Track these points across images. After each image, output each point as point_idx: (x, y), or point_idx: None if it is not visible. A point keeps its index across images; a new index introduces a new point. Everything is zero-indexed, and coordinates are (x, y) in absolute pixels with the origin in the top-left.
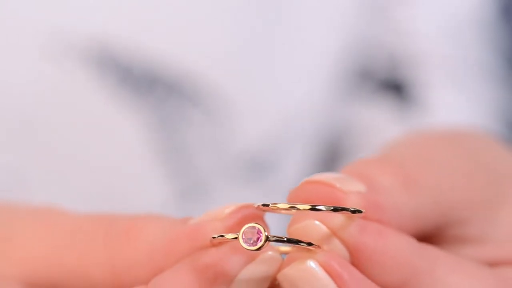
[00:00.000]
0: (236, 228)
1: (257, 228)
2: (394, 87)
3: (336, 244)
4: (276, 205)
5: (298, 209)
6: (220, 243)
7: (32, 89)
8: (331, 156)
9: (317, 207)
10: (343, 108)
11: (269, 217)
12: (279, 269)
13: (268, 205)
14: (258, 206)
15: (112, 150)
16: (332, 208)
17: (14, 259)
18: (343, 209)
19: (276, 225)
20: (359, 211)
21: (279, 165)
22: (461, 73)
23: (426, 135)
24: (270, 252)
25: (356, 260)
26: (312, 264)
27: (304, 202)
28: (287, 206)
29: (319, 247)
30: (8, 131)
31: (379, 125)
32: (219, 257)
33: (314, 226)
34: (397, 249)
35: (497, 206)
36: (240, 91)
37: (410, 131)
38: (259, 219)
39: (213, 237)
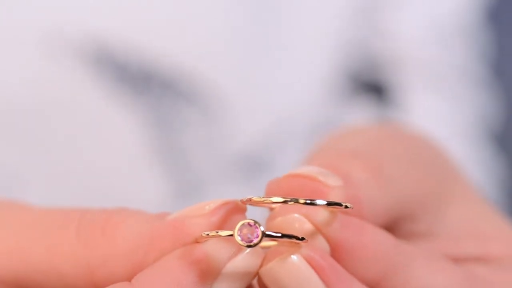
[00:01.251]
0: (219, 224)
1: (253, 224)
2: (375, 89)
3: (317, 237)
4: (270, 199)
5: (295, 202)
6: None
7: (29, 87)
8: None
9: (314, 202)
10: (338, 108)
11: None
12: (261, 265)
13: (262, 200)
14: (250, 199)
15: (109, 149)
16: (326, 202)
17: None
18: (336, 203)
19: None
20: (350, 207)
21: (275, 164)
22: (443, 77)
23: (378, 129)
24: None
25: (336, 254)
26: (295, 258)
27: (285, 194)
28: (281, 200)
29: (307, 241)
30: (5, 129)
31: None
32: (210, 251)
33: (296, 219)
34: (377, 244)
35: (445, 204)
36: (237, 91)
37: (350, 125)
38: (241, 214)
39: (205, 234)
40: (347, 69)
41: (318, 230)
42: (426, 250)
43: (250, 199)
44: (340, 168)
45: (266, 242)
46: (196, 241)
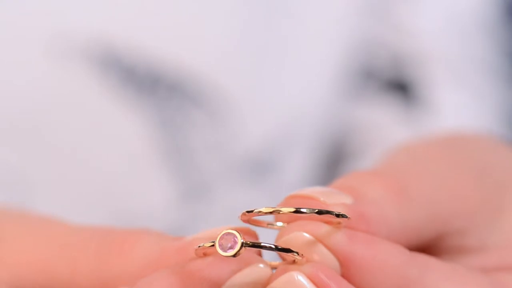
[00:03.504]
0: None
1: (232, 234)
2: (399, 86)
3: (327, 255)
4: (260, 210)
5: (281, 212)
6: (204, 254)
7: (35, 88)
8: (335, 157)
9: (300, 210)
10: (346, 108)
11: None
12: (267, 283)
13: (252, 211)
14: (243, 213)
15: (114, 150)
16: (317, 210)
17: (3, 262)
18: (327, 212)
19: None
20: (344, 216)
21: (282, 165)
22: (466, 72)
23: (426, 143)
24: (261, 265)
25: (346, 270)
26: (298, 276)
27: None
28: (270, 210)
29: (302, 255)
30: (11, 130)
31: (384, 125)
32: (203, 265)
33: (302, 237)
34: (387, 258)
35: (498, 213)
36: (243, 92)
37: (411, 137)
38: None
39: (196, 248)
40: (362, 67)
41: (322, 243)
42: (445, 261)
43: (243, 213)
44: (353, 187)
45: (276, 262)
46: (198, 257)
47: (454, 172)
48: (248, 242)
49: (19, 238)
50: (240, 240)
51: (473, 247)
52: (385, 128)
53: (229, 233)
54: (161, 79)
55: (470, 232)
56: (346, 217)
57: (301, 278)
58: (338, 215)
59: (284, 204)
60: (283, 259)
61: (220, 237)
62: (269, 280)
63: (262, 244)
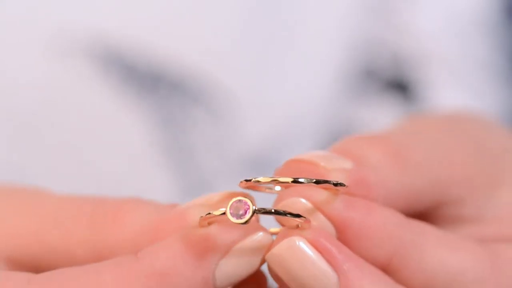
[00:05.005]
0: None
1: (243, 201)
2: (399, 86)
3: (322, 220)
4: (258, 179)
5: (279, 181)
6: (209, 222)
7: (37, 86)
8: None
9: (299, 180)
10: (347, 108)
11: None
12: (268, 250)
13: (250, 180)
14: (241, 181)
15: (115, 149)
16: (314, 180)
17: None
18: (325, 181)
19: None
20: (342, 185)
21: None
22: (466, 73)
23: (425, 118)
24: (261, 233)
25: (342, 235)
26: (299, 241)
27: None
28: (269, 179)
29: (308, 220)
30: (13, 129)
31: (385, 124)
32: (210, 232)
33: (299, 203)
34: (383, 223)
35: (495, 186)
36: (244, 90)
37: (410, 114)
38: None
39: (201, 217)
40: (363, 66)
41: (319, 210)
42: (440, 229)
43: (242, 181)
44: (353, 151)
45: (275, 229)
46: (200, 226)
47: (453, 141)
48: (260, 209)
49: (12, 211)
50: (252, 207)
51: (470, 217)
52: (385, 127)
53: (240, 200)
54: (162, 77)
55: (468, 201)
56: (344, 185)
57: (302, 244)
58: (336, 184)
59: (284, 169)
60: (282, 225)
61: (231, 205)
62: (270, 246)
63: (273, 210)
